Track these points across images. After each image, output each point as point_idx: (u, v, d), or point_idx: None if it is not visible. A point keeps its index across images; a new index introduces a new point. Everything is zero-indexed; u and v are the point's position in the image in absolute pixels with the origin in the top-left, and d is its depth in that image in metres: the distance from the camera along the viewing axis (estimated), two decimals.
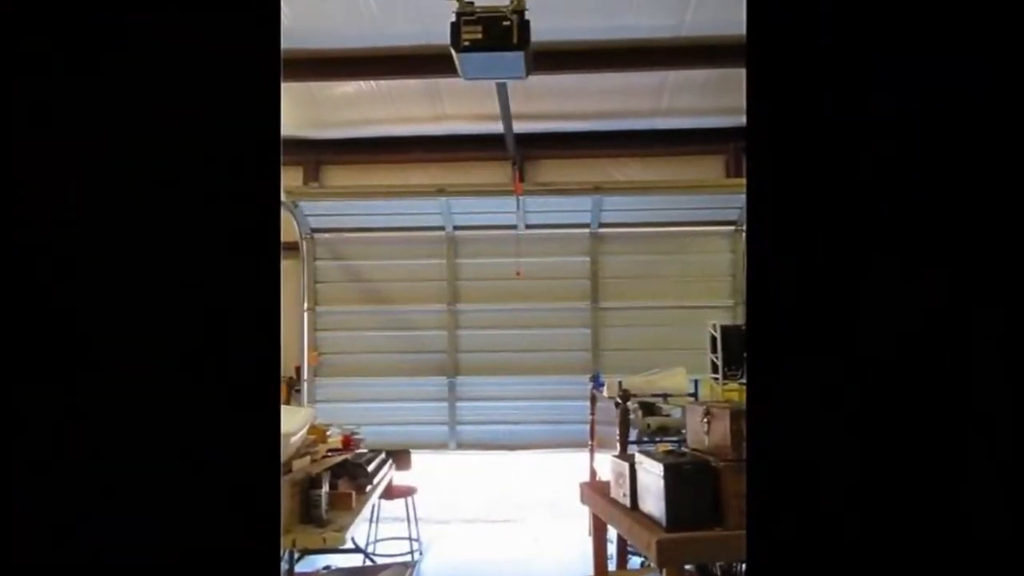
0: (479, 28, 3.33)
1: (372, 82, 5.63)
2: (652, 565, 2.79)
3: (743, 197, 5.72)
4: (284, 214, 6.47)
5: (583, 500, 3.80)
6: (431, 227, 6.79)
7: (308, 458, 3.86)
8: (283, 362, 6.30)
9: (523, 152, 6.58)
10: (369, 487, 4.22)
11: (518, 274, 6.46)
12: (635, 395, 4.72)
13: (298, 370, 6.76)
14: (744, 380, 4.70)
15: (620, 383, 4.80)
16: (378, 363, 6.80)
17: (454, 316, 6.82)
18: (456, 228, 6.81)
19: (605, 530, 3.61)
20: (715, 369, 5.00)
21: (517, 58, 3.43)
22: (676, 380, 5.16)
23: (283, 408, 3.88)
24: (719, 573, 3.77)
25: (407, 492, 5.10)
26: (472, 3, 3.37)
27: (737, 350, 4.82)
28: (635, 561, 4.26)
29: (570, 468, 6.12)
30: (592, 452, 5.49)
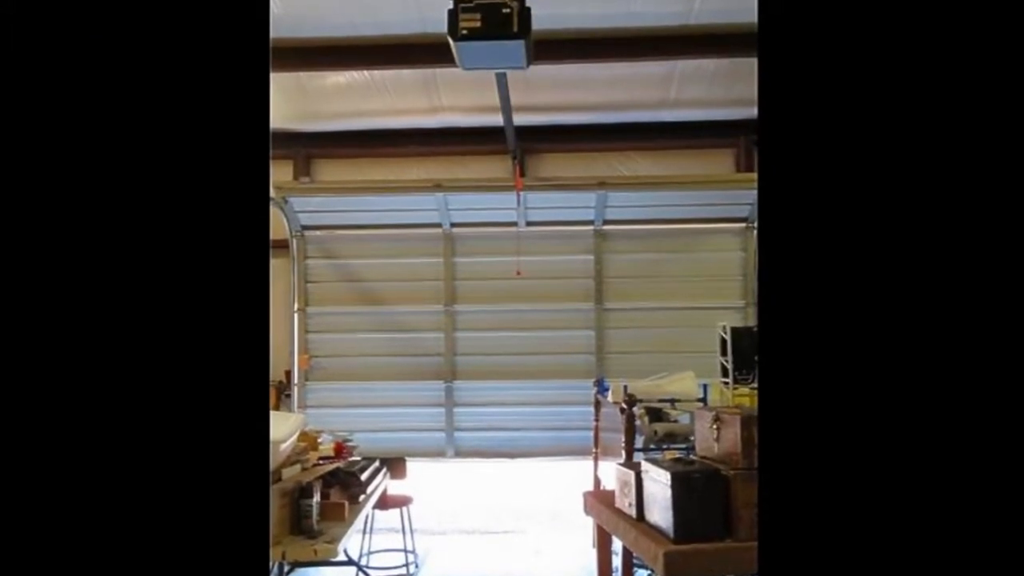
0: (478, 16, 3.33)
1: (365, 72, 5.63)
2: None
3: (754, 193, 5.70)
4: (273, 210, 6.47)
5: (587, 510, 3.80)
6: (427, 224, 6.79)
7: (298, 466, 3.86)
8: (272, 366, 6.30)
9: (524, 146, 6.58)
10: (362, 497, 4.21)
11: (518, 273, 6.46)
12: (641, 400, 4.72)
13: (288, 374, 6.76)
14: (755, 384, 4.71)
15: (625, 387, 4.80)
16: (372, 367, 6.80)
17: (451, 317, 6.82)
18: (453, 225, 6.80)
19: (610, 542, 3.61)
20: (725, 373, 5.00)
21: (517, 47, 3.43)
22: (684, 384, 5.16)
23: (272, 414, 3.87)
24: None
25: (402, 502, 5.10)
26: None
27: (748, 353, 4.82)
28: (641, 574, 4.26)
29: (573, 477, 6.13)
30: (596, 460, 5.49)
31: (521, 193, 6.34)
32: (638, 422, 4.57)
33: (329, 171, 6.95)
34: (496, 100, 5.24)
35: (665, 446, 4.62)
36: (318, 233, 6.90)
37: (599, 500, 3.60)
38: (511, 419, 6.78)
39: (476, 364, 6.81)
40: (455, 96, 5.98)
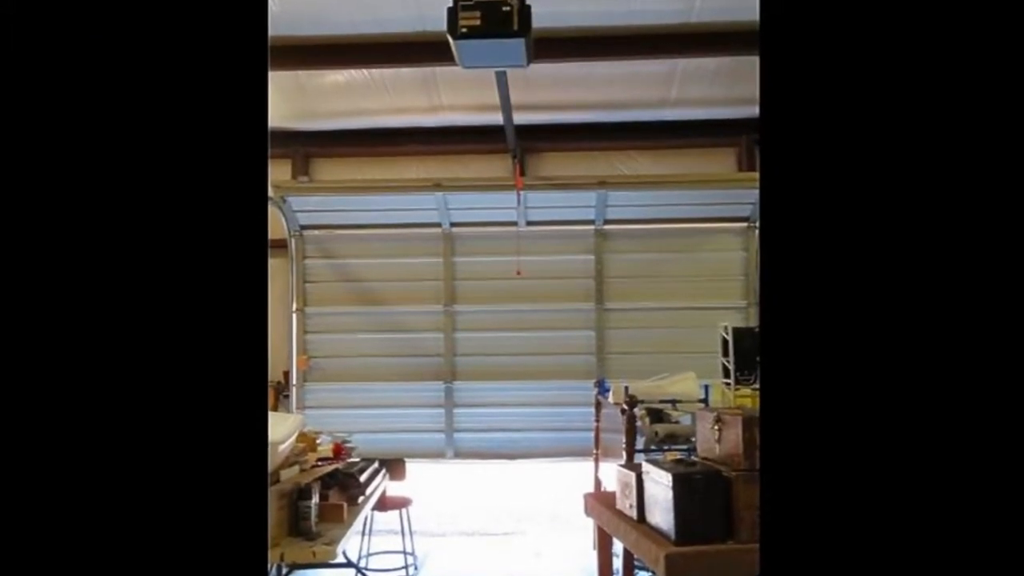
0: (477, 13, 3.33)
1: (364, 71, 5.63)
2: None
3: (756, 192, 5.72)
4: (271, 210, 6.47)
5: (587, 512, 3.80)
6: (427, 224, 6.78)
7: (297, 468, 3.86)
8: (270, 366, 6.30)
9: (524, 145, 6.57)
10: (361, 498, 4.21)
11: (519, 273, 6.46)
12: (642, 401, 4.72)
13: (286, 375, 6.76)
14: (757, 385, 4.71)
15: (626, 388, 4.80)
16: (371, 367, 6.80)
17: (451, 318, 6.82)
18: (453, 225, 6.80)
19: (610, 543, 3.61)
20: (727, 374, 5.00)
21: (518, 45, 3.43)
22: (685, 385, 5.16)
23: (270, 415, 3.88)
24: None
25: (402, 503, 5.10)
26: None
27: (750, 353, 4.83)
28: None
29: (573, 478, 6.13)
30: (597, 461, 5.49)
31: (521, 192, 6.34)
32: (639, 423, 4.57)
33: (328, 170, 6.95)
34: (496, 99, 5.24)
35: (666, 447, 4.62)
36: (317, 233, 6.90)
37: (600, 502, 3.59)
38: (511, 420, 6.77)
39: (476, 365, 6.80)
40: (455, 95, 5.98)
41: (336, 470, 4.23)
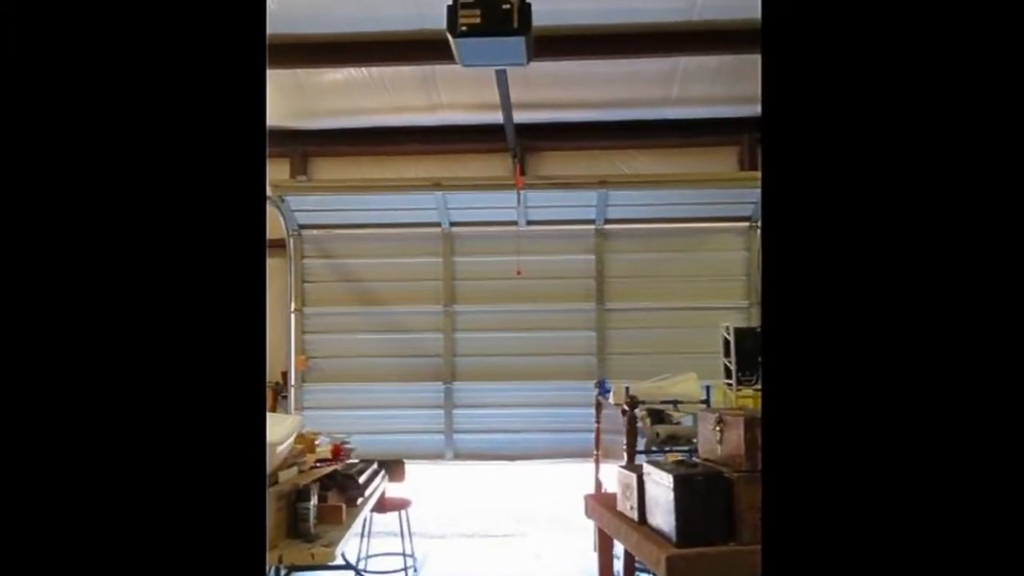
0: (477, 11, 3.33)
1: (363, 69, 5.63)
2: None
3: (758, 191, 5.70)
4: (270, 209, 6.47)
5: (588, 513, 3.80)
6: (426, 223, 6.78)
7: (295, 469, 3.86)
8: (268, 367, 6.30)
9: (524, 144, 6.57)
10: (360, 499, 4.22)
11: (519, 273, 6.46)
12: (643, 402, 4.72)
13: (285, 375, 6.76)
14: (759, 386, 4.71)
15: (627, 389, 4.80)
16: (370, 368, 6.80)
17: (451, 318, 6.82)
18: (453, 224, 6.80)
19: (611, 545, 3.61)
20: (728, 374, 5.00)
21: (518, 43, 3.43)
22: (687, 386, 5.16)
23: (268, 416, 3.88)
24: None
25: (401, 505, 5.10)
26: None
27: (752, 354, 4.83)
28: None
29: (574, 479, 6.13)
30: (597, 462, 5.49)
31: (521, 192, 6.34)
32: (640, 424, 4.57)
33: (326, 169, 6.95)
34: (496, 97, 5.24)
35: (667, 448, 4.62)
36: (315, 232, 6.90)
37: (600, 503, 3.59)
38: (511, 421, 6.77)
39: (476, 365, 6.80)
40: (454, 93, 5.98)
41: (335, 471, 4.23)
